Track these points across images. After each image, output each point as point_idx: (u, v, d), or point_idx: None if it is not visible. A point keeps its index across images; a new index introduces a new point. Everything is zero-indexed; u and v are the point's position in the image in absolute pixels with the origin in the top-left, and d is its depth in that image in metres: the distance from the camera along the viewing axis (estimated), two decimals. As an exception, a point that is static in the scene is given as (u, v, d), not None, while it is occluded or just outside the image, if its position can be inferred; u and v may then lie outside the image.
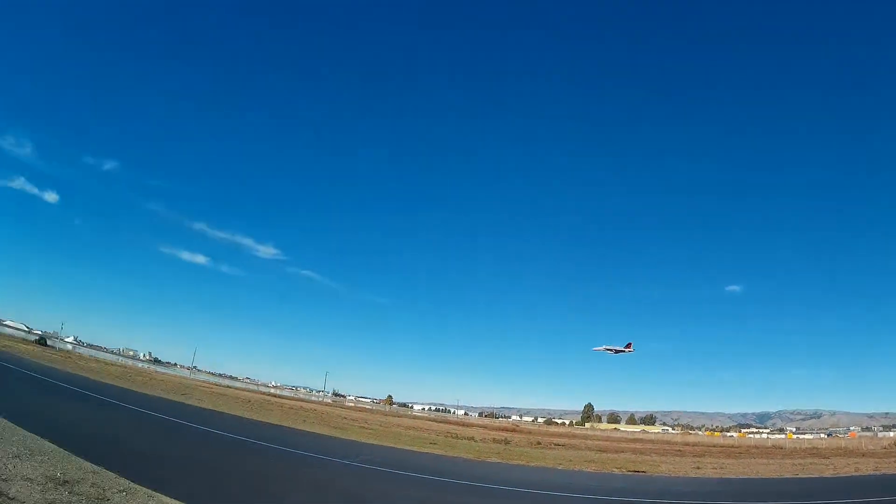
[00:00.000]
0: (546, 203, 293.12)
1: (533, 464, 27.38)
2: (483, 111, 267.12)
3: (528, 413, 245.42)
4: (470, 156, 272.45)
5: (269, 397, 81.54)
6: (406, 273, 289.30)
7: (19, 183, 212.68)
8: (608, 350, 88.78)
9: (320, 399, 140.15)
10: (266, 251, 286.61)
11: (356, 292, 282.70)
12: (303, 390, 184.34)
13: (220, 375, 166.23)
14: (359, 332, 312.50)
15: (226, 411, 36.69)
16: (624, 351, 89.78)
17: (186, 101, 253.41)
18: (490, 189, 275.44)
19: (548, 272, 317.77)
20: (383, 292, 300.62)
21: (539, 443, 46.28)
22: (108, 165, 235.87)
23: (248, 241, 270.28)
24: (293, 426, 33.61)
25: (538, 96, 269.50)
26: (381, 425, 49.48)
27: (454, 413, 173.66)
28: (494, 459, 27.81)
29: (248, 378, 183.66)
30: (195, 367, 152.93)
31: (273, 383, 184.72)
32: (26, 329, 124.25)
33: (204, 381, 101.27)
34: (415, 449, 29.39)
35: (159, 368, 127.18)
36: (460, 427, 65.76)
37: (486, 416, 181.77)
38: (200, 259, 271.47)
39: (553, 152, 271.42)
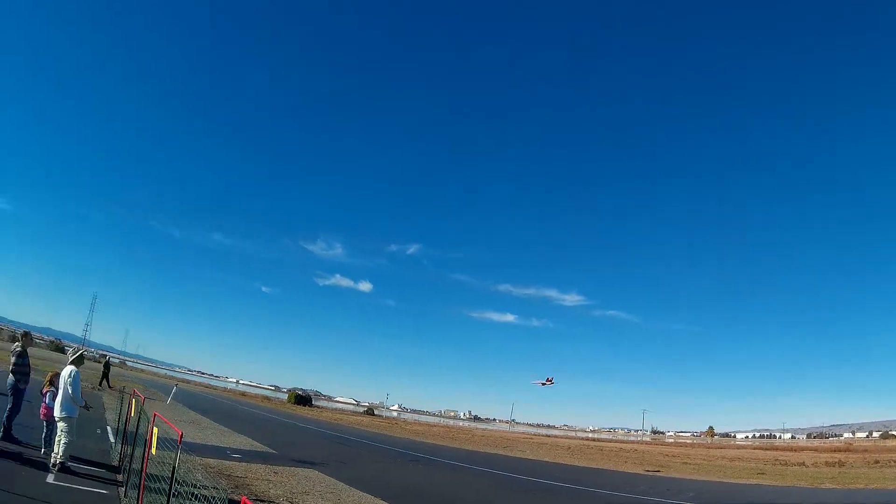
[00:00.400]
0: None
1: (872, 486, 26.27)
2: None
3: (860, 428, 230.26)
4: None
5: (587, 442, 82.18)
6: (703, 297, 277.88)
7: (336, 279, 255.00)
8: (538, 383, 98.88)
9: (639, 438, 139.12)
10: (571, 299, 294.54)
11: (655, 322, 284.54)
12: (620, 431, 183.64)
13: (539, 426, 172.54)
14: (670, 364, 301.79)
15: (548, 460, 37.82)
16: (547, 384, 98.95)
17: (476, 183, 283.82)
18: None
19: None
20: (685, 319, 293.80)
21: (877, 461, 43.55)
22: (412, 249, 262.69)
23: (552, 293, 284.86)
24: (615, 468, 34.01)
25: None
26: (703, 459, 48.83)
27: (780, 437, 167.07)
28: (828, 485, 26.69)
29: (565, 425, 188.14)
30: (514, 420, 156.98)
31: (590, 427, 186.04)
32: (355, 402, 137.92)
33: (523, 433, 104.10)
34: (742, 481, 28.79)
35: (479, 425, 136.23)
36: (788, 452, 63.10)
37: (814, 437, 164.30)
38: (509, 318, 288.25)
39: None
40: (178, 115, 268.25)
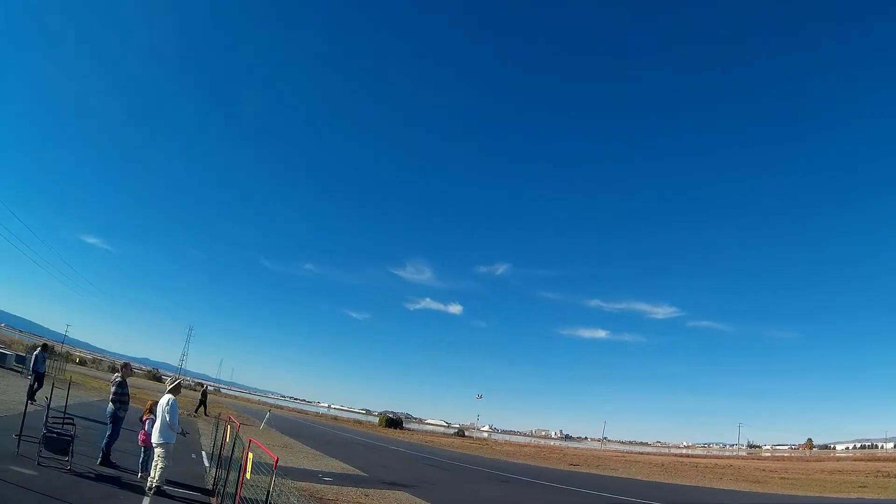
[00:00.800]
0: None
1: None
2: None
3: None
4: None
5: (681, 458, 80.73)
6: (800, 302, 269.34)
7: (426, 303, 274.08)
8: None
9: (734, 453, 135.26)
10: (663, 311, 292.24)
11: (750, 331, 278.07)
12: (715, 447, 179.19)
13: (631, 443, 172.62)
14: (766, 373, 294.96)
15: (640, 478, 37.63)
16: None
17: (562, 199, 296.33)
18: None
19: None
20: (782, 325, 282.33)
21: None
22: (500, 269, 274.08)
23: (643, 306, 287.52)
24: (710, 485, 33.23)
25: None
26: (802, 472, 47.24)
27: (882, 447, 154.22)
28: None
29: (658, 442, 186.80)
30: (605, 438, 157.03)
31: (684, 443, 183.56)
32: (445, 424, 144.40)
33: (615, 451, 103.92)
34: (842, 496, 27.68)
35: (570, 444, 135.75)
36: (891, 463, 59.87)
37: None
38: (600, 333, 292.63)
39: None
40: (264, 152, 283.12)
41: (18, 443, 12.01)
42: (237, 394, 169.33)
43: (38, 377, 22.10)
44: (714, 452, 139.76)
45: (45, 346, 24.51)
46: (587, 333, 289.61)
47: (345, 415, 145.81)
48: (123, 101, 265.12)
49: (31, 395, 20.08)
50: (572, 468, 41.98)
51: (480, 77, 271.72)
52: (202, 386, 63.16)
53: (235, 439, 10.26)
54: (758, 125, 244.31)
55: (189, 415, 38.48)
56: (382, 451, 39.21)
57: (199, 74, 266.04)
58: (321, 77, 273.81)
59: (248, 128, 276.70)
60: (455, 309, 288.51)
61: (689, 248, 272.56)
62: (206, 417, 39.38)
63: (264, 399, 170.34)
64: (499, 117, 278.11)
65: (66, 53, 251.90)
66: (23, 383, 27.88)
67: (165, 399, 11.29)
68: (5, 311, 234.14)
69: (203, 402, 44.16)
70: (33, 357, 23.42)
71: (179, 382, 12.33)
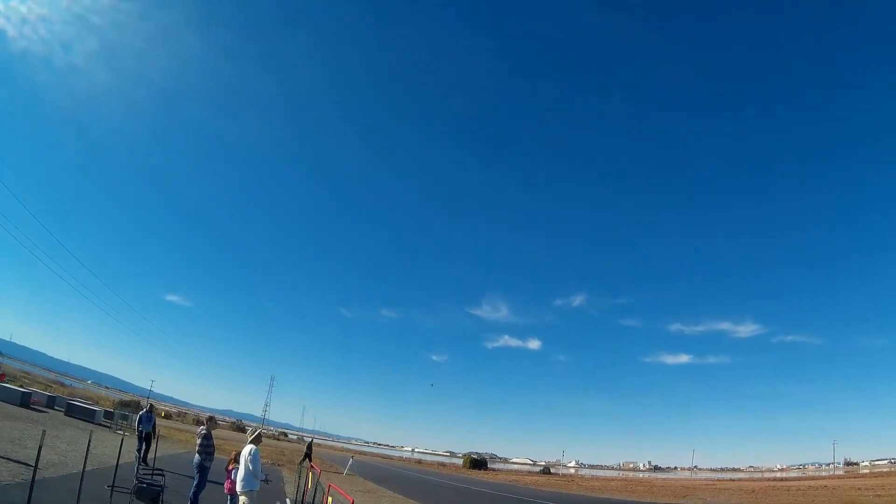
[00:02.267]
0: None
1: None
2: None
3: None
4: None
5: (773, 483, 77.53)
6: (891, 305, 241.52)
7: (504, 340, 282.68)
8: None
9: (830, 473, 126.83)
10: (746, 329, 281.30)
11: (841, 342, 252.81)
12: (811, 467, 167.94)
13: (723, 469, 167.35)
14: (861, 386, 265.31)
15: None
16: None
17: (634, 224, 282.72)
18: None
19: None
20: (875, 332, 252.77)
21: None
22: (577, 301, 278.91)
23: (726, 325, 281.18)
24: None
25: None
26: None
27: None
28: None
29: (751, 467, 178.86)
30: (695, 466, 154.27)
31: (777, 466, 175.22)
32: (531, 462, 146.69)
33: (705, 480, 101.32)
34: None
35: (659, 475, 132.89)
36: None
37: None
38: (683, 358, 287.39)
39: None
40: (339, 200, 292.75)
41: (111, 493, 12.59)
42: (321, 441, 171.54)
43: (146, 438, 21.04)
44: (809, 474, 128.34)
45: (151, 407, 23.41)
46: (670, 359, 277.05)
47: (428, 458, 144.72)
48: (190, 163, 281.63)
49: (142, 458, 20.06)
50: (658, 500, 40.70)
51: (539, 115, 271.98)
52: (309, 440, 64.23)
53: (317, 485, 10.31)
54: (844, 124, 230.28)
55: (272, 463, 39.18)
56: (464, 492, 38.57)
57: (270, 121, 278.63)
58: (387, 123, 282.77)
59: (320, 175, 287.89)
60: (534, 344, 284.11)
61: (768, 261, 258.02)
62: (309, 468, 39.88)
63: (348, 446, 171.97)
64: (555, 155, 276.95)
65: (148, 130, 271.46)
66: (112, 437, 29.23)
67: (248, 449, 11.57)
68: (93, 369, 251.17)
69: (308, 455, 44.83)
70: (138, 417, 22.88)
71: (260, 433, 12.62)
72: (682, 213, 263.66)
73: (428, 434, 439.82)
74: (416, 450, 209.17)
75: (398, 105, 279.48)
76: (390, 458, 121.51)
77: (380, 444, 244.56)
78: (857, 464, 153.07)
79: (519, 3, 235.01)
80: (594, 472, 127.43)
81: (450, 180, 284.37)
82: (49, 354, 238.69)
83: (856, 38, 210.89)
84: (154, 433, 21.33)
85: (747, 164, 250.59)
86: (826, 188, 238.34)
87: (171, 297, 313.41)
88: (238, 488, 11.38)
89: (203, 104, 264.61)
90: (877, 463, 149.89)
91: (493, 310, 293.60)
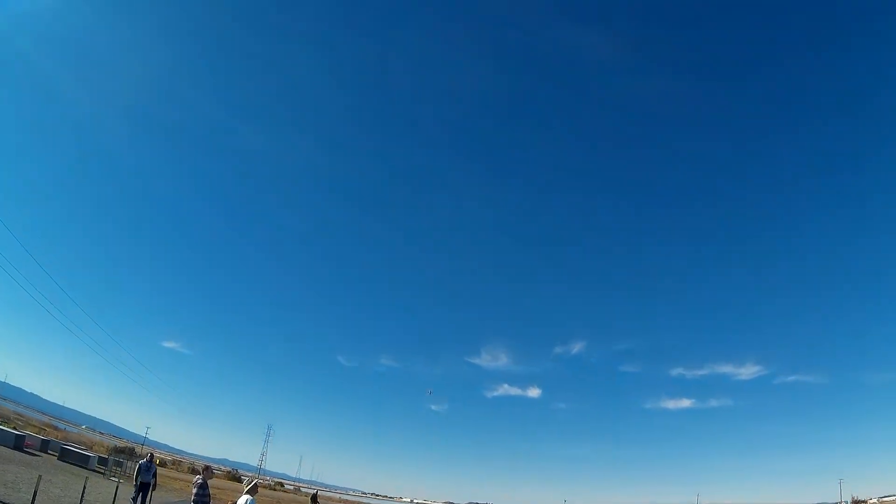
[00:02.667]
0: None
1: None
2: None
3: None
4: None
5: None
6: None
7: (503, 389, 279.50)
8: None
9: None
10: (748, 371, 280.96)
11: (844, 380, 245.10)
12: None
13: None
14: (865, 421, 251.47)
15: None
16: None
17: (632, 272, 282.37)
18: None
19: None
20: (878, 367, 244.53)
21: None
22: (577, 348, 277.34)
23: (728, 368, 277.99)
24: None
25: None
26: None
27: None
28: None
29: None
30: None
31: None
32: None
33: None
34: None
35: None
36: None
37: None
38: (685, 403, 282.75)
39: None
40: (335, 249, 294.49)
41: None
42: (318, 492, 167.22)
43: (143, 488, 19.85)
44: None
45: (151, 456, 22.26)
46: (672, 404, 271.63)
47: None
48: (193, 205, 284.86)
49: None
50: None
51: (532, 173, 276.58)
52: (314, 491, 63.10)
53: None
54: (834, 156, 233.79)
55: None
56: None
57: (274, 178, 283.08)
58: (382, 174, 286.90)
59: (319, 224, 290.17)
60: (534, 392, 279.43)
61: (767, 302, 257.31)
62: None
63: (345, 497, 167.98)
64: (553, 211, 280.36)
65: (164, 171, 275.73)
66: (106, 484, 28.76)
67: (244, 499, 11.50)
68: (88, 413, 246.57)
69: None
70: (138, 466, 21.49)
71: (256, 483, 12.57)
72: (681, 258, 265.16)
73: (427, 484, 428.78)
74: (416, 500, 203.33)
75: (393, 153, 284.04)
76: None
77: (378, 495, 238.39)
78: (864, 501, 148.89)
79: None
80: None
81: (447, 227, 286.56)
82: (43, 397, 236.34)
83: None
84: (153, 483, 20.43)
85: (746, 209, 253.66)
86: (824, 229, 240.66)
87: (168, 344, 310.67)
88: (233, 539, 11.27)
89: (208, 151, 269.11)
90: (885, 499, 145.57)
91: (493, 358, 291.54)
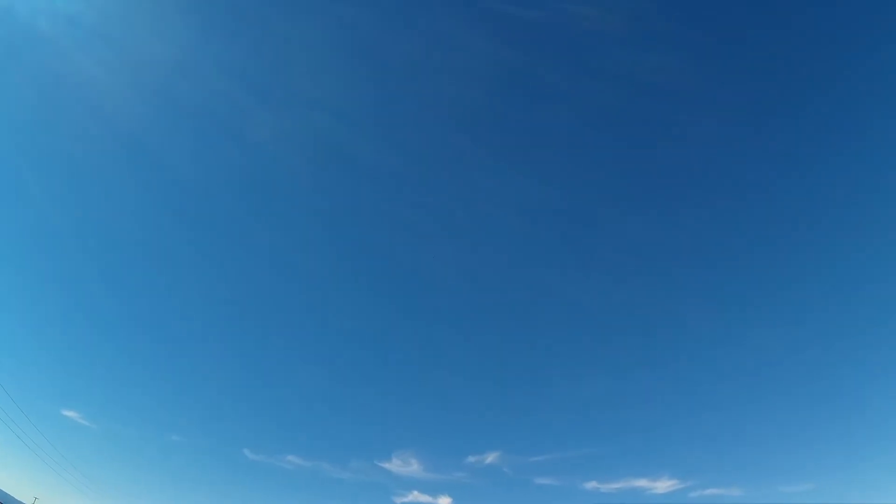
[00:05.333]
0: None
1: None
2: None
3: None
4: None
5: None
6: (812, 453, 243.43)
7: (413, 496, 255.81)
8: None
9: None
10: (663, 485, 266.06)
11: (762, 494, 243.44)
12: None
13: None
14: None
15: None
16: None
17: (545, 383, 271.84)
18: None
19: None
20: (795, 480, 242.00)
21: None
22: (490, 458, 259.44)
23: (643, 482, 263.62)
24: None
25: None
26: None
27: None
28: None
29: None
30: None
31: None
32: None
33: None
34: None
35: None
36: None
37: None
38: None
39: None
40: (248, 333, 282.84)
41: None
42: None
43: None
44: None
45: None
46: None
47: None
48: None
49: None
50: None
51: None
52: None
53: None
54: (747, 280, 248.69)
55: None
56: None
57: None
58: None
59: (235, 304, 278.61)
60: (444, 501, 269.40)
61: (684, 417, 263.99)
62: None
63: None
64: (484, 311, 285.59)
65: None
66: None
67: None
68: None
69: None
70: None
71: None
72: (597, 374, 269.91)
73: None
74: None
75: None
76: None
77: None
78: None
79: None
80: None
81: (362, 339, 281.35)
82: None
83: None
84: None
85: (657, 327, 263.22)
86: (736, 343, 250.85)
87: (68, 413, 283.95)
88: None
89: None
90: None
91: (404, 464, 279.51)
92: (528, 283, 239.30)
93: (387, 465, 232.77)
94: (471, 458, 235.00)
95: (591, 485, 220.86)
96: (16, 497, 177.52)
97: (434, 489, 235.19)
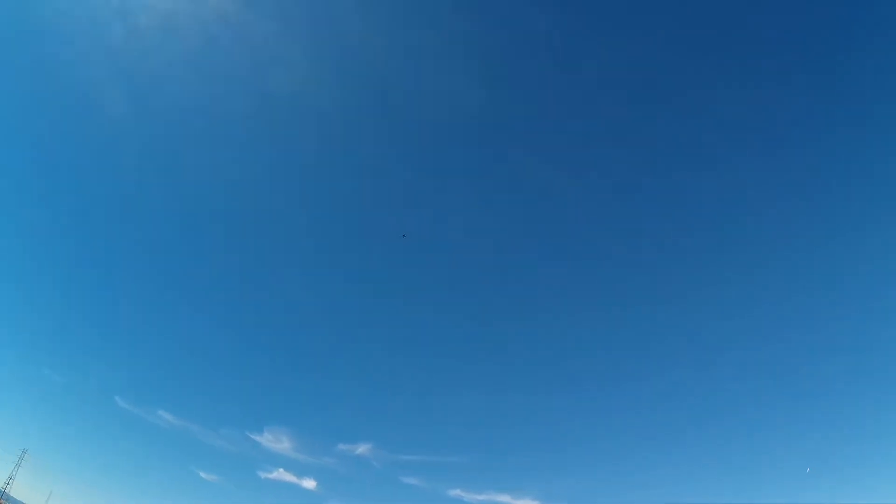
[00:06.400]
0: None
1: None
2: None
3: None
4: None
5: None
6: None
7: (279, 473, 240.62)
8: None
9: None
10: None
11: None
12: None
13: None
14: None
15: None
16: None
17: (432, 385, 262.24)
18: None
19: None
20: None
21: None
22: (361, 449, 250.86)
23: (505, 498, 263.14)
24: None
25: None
26: None
27: None
28: None
29: None
30: None
31: None
32: None
33: None
34: None
35: None
36: None
37: None
38: None
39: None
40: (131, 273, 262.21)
41: None
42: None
43: None
44: None
45: None
46: None
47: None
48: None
49: None
50: None
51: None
52: None
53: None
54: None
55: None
56: None
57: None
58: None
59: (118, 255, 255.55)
60: (309, 484, 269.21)
61: (551, 441, 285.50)
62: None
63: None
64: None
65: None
66: None
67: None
68: None
69: None
70: None
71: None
72: (476, 389, 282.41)
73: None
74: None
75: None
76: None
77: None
78: None
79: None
80: None
81: (248, 309, 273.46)
82: None
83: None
84: None
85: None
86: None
87: None
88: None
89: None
90: None
91: (275, 440, 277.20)
92: (419, 286, 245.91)
93: (258, 438, 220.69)
94: (342, 446, 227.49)
95: (455, 492, 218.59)
96: None
97: (301, 470, 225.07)
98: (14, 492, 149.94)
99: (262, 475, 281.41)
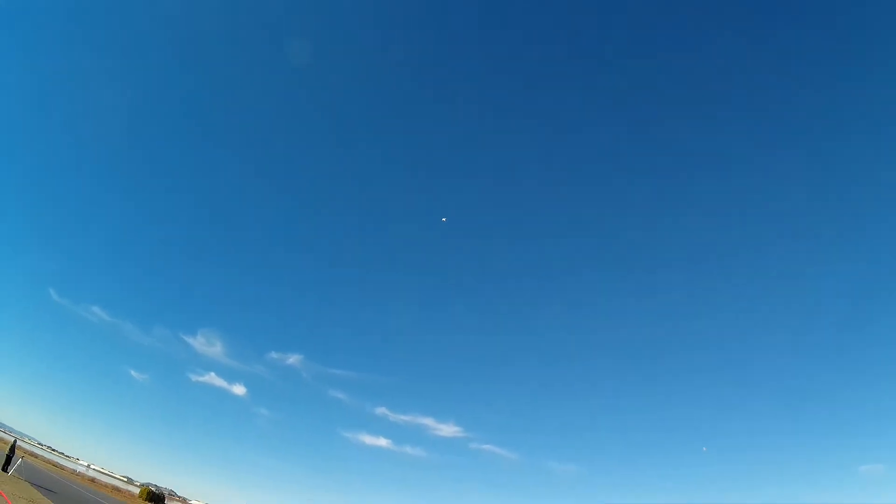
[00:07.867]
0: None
1: None
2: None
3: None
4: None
5: None
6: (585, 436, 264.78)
7: (209, 377, 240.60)
8: None
9: None
10: (448, 430, 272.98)
11: (534, 460, 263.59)
12: None
13: None
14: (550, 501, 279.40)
15: None
16: None
17: (369, 301, 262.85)
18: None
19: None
20: (566, 458, 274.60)
21: None
22: (292, 360, 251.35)
23: (429, 421, 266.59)
24: None
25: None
26: None
27: None
28: None
29: None
30: None
31: None
32: None
33: None
34: None
35: None
36: None
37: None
38: (383, 442, 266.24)
39: None
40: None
41: None
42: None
43: None
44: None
45: None
46: (370, 440, 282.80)
47: (104, 478, 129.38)
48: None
49: None
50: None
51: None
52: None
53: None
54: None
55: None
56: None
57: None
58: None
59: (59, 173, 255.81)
60: (239, 390, 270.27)
61: (478, 373, 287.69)
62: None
63: (21, 443, 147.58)
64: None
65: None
66: None
67: None
68: None
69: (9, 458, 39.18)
70: None
71: None
72: (408, 305, 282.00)
73: (109, 452, 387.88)
74: (93, 466, 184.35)
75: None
76: (62, 468, 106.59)
77: (54, 450, 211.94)
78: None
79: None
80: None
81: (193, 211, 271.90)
82: None
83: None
84: None
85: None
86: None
87: None
88: None
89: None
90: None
91: (207, 343, 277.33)
92: (367, 208, 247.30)
93: (190, 340, 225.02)
94: (273, 355, 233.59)
95: (381, 410, 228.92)
96: None
97: (232, 376, 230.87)
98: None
99: (194, 378, 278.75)
